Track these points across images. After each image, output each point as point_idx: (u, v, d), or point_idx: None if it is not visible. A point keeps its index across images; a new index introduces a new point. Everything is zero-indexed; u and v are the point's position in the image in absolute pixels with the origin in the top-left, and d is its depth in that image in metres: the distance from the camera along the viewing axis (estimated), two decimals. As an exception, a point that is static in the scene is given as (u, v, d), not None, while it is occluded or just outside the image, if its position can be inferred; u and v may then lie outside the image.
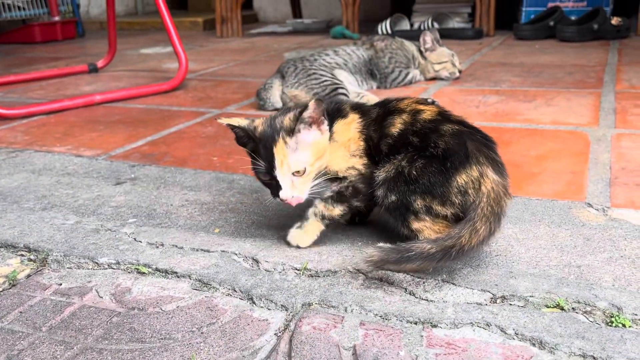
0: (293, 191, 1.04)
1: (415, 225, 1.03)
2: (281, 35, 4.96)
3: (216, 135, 2.01)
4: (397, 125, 1.07)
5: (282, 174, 1.03)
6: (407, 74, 2.59)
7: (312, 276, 1.06)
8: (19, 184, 1.60)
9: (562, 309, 0.92)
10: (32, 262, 1.18)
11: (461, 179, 0.99)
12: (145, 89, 2.70)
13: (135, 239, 1.24)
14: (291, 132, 1.04)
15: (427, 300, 0.96)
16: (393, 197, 1.04)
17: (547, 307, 0.92)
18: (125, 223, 1.32)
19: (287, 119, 1.05)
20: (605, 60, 3.08)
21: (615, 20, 3.76)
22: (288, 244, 1.15)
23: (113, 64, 3.62)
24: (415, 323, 0.91)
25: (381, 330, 0.90)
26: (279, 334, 0.90)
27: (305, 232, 1.14)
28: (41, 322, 0.97)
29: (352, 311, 0.95)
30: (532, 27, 3.91)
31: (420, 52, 2.69)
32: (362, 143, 1.09)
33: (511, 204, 1.29)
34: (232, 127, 1.08)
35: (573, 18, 3.91)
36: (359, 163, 1.09)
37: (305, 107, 1.02)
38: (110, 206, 1.42)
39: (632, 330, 0.86)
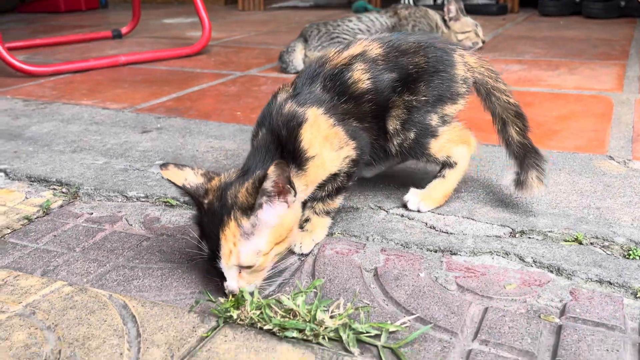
0: (240, 283, 0.80)
1: (435, 147, 1.02)
2: (303, 9, 4.96)
3: (239, 93, 2.04)
4: (359, 80, 0.95)
5: (227, 266, 0.80)
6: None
7: (337, 212, 1.08)
8: (49, 131, 1.65)
9: (580, 242, 0.94)
10: (64, 195, 1.22)
11: (459, 70, 1.02)
12: (169, 52, 2.73)
13: (162, 177, 1.27)
14: (248, 209, 0.79)
15: (447, 232, 0.99)
16: (412, 135, 1.01)
17: (566, 241, 0.94)
18: (152, 164, 1.36)
19: (242, 192, 0.80)
20: (631, 35, 3.05)
21: (642, -2, 3.70)
22: (295, 252, 0.94)
23: (136, 31, 3.65)
24: (435, 251, 0.93)
25: (402, 256, 0.92)
26: (302, 259, 0.93)
27: (312, 232, 0.97)
28: (74, 244, 1.01)
29: (373, 240, 0.98)
30: (558, 3, 3.86)
31: (444, 21, 2.68)
32: (339, 129, 0.93)
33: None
34: (175, 186, 0.84)
35: (599, -5, 3.85)
36: (350, 148, 0.94)
37: (264, 175, 0.78)
38: (137, 150, 1.46)
39: (650, 262, 0.88)
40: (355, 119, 0.94)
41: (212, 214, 0.81)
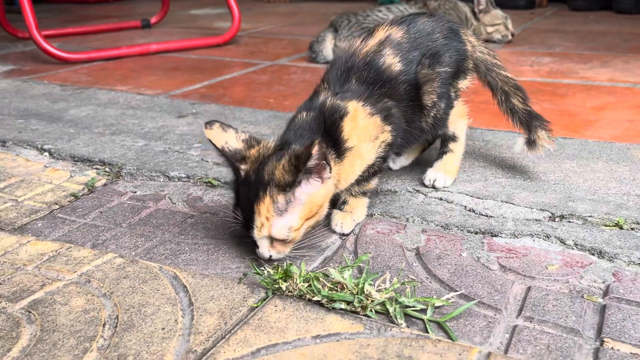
0: (271, 251, 0.85)
1: (452, 116, 1.09)
2: (328, 2, 4.96)
3: (270, 82, 2.06)
4: (392, 64, 0.98)
5: (259, 236, 0.84)
6: (459, 32, 2.59)
7: (373, 194, 1.10)
8: (87, 114, 1.69)
9: (621, 227, 0.94)
10: (107, 174, 1.25)
11: (468, 46, 1.09)
12: (199, 41, 2.77)
13: (202, 159, 1.30)
14: (286, 186, 0.82)
15: (486, 215, 1.00)
16: (442, 104, 1.05)
17: (606, 225, 0.95)
18: (191, 147, 1.39)
19: (279, 168, 0.82)
20: (663, 30, 3.01)
21: (675, -7, 3.64)
22: (336, 232, 0.96)
23: (164, 22, 3.70)
24: (476, 233, 0.95)
25: (443, 237, 0.94)
26: (344, 238, 0.95)
27: (352, 212, 0.98)
28: (121, 220, 1.04)
29: (413, 221, 0.99)
30: (587, -2, 3.82)
31: (474, 13, 2.68)
32: (377, 118, 0.94)
33: (568, 144, 1.31)
34: (214, 147, 0.88)
35: (630, -10, 3.80)
36: (387, 133, 0.96)
37: (307, 154, 0.79)
38: (175, 134, 1.49)
39: (692, 247, 0.88)
40: (392, 99, 0.97)
41: (248, 185, 0.84)
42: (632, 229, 0.94)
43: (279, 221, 0.83)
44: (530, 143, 1.12)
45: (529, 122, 1.12)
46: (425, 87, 1.01)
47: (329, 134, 0.90)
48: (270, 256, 0.85)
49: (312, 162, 0.81)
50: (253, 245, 0.87)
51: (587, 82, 1.91)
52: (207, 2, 5.06)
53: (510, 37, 2.68)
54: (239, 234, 0.96)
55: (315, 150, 0.79)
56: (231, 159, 0.87)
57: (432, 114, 1.04)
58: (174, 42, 2.71)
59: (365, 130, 0.92)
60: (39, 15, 4.28)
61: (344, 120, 0.91)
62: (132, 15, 4.16)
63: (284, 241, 0.84)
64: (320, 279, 0.78)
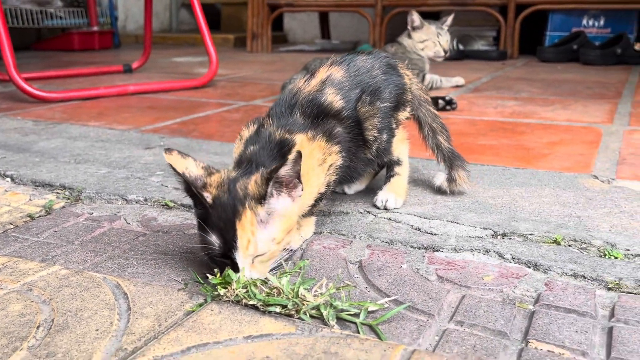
0: (252, 273, 0.82)
1: (394, 145, 1.13)
2: (309, 52, 5.11)
3: (242, 119, 2.11)
4: (333, 101, 1.00)
5: (244, 256, 0.81)
6: (423, 77, 2.67)
7: (324, 215, 1.13)
8: (56, 146, 1.71)
9: (559, 244, 0.97)
10: (66, 198, 1.27)
11: (406, 80, 1.14)
12: (177, 83, 2.83)
13: (162, 184, 1.33)
14: (262, 198, 0.82)
15: (431, 233, 1.03)
16: (385, 136, 1.09)
17: (545, 242, 0.98)
18: (153, 174, 1.41)
19: (252, 183, 0.83)
20: (625, 79, 3.13)
21: (638, 46, 3.81)
22: (284, 249, 0.91)
23: (146, 67, 3.78)
24: (419, 248, 0.97)
25: (386, 251, 0.96)
26: (291, 253, 0.97)
27: (300, 229, 1.00)
28: (74, 238, 1.06)
29: (360, 238, 1.02)
30: (556, 50, 3.98)
31: (407, 36, 2.71)
32: (320, 141, 0.96)
33: (519, 174, 1.35)
34: (175, 171, 0.85)
35: (597, 43, 3.97)
36: (335, 155, 0.97)
37: (282, 162, 0.81)
38: (140, 163, 1.52)
39: (623, 260, 0.91)
40: (339, 126, 0.99)
41: (221, 206, 0.82)
42: (569, 245, 0.97)
43: (263, 233, 0.82)
44: (451, 180, 1.20)
45: (452, 161, 1.20)
46: (366, 124, 1.04)
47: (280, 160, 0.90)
48: (251, 278, 0.81)
49: (286, 168, 0.81)
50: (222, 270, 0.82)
51: (546, 122, 1.98)
52: (190, 51, 5.19)
53: (442, 53, 2.68)
54: (190, 250, 0.97)
55: (291, 157, 0.80)
56: (193, 183, 0.84)
57: (374, 147, 1.07)
58: (151, 84, 2.77)
59: (310, 157, 0.93)
60: (24, 60, 4.36)
61: (292, 151, 0.90)
62: (115, 62, 4.25)
63: (264, 257, 0.82)
64: (259, 284, 0.79)
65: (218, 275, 0.81)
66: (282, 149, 0.91)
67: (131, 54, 4.88)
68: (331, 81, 1.03)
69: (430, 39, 2.64)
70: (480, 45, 4.46)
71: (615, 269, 0.87)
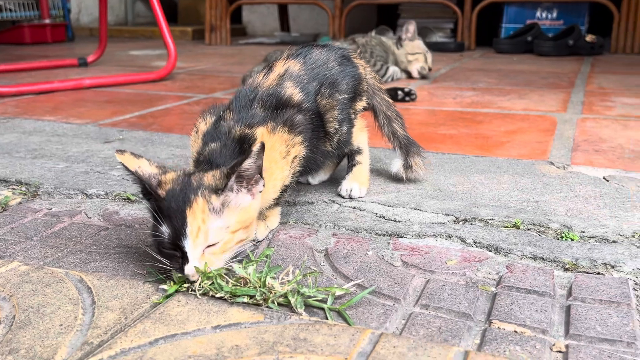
0: (201, 265, 0.79)
1: (354, 134, 1.14)
2: (269, 45, 5.09)
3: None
4: (293, 94, 1.00)
5: (194, 245, 0.78)
6: (387, 69, 2.71)
7: (290, 205, 1.13)
8: (10, 141, 1.66)
9: (518, 227, 1.00)
10: (23, 193, 1.23)
11: (361, 70, 1.14)
12: (135, 77, 2.78)
13: (123, 178, 1.30)
14: (219, 189, 0.80)
15: (395, 220, 1.04)
16: (345, 128, 1.10)
17: (505, 226, 1.01)
18: (113, 168, 1.38)
19: (209, 176, 0.82)
20: (578, 70, 3.23)
21: (589, 38, 3.93)
22: (255, 241, 0.96)
23: (102, 61, 3.69)
24: (384, 235, 0.98)
25: (352, 239, 0.97)
26: (258, 244, 0.97)
27: (266, 220, 1.00)
28: (32, 234, 1.03)
29: (326, 227, 1.02)
30: (511, 42, 4.07)
31: (399, 40, 2.79)
32: (282, 133, 0.95)
33: (479, 162, 1.38)
34: (127, 170, 0.84)
35: (550, 35, 4.08)
36: (298, 146, 0.97)
37: (245, 156, 0.81)
38: (99, 157, 1.49)
39: (579, 242, 0.95)
40: (299, 115, 0.99)
41: (174, 196, 0.79)
42: (528, 229, 1.00)
43: (215, 222, 0.79)
44: (407, 167, 1.22)
45: (408, 147, 1.22)
46: (327, 116, 1.05)
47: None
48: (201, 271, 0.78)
49: (249, 161, 0.80)
50: (172, 266, 0.80)
51: (503, 111, 2.03)
52: (148, 44, 5.09)
53: (427, 70, 2.80)
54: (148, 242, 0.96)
55: (255, 149, 0.79)
56: (146, 181, 0.82)
57: (335, 139, 1.08)
58: (108, 77, 2.71)
59: (272, 150, 0.93)
60: (-29, 53, 4.20)
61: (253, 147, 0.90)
62: (70, 56, 4.13)
63: (216, 247, 0.79)
64: (224, 275, 0.79)
65: (172, 283, 0.79)
66: (243, 146, 0.90)
67: (86, 47, 4.75)
68: (289, 75, 1.03)
69: (422, 53, 2.75)
70: (438, 37, 4.52)
71: (572, 251, 0.91)
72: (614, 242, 0.94)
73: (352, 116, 1.12)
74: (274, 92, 0.99)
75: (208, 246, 0.79)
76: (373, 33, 4.32)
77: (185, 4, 6.93)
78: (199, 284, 0.77)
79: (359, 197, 1.15)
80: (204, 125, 0.97)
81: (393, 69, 2.76)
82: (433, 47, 4.20)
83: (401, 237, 0.97)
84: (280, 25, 5.99)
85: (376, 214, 1.08)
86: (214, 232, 0.79)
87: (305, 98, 1.01)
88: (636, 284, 0.82)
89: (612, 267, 0.86)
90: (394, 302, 0.78)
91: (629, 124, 1.79)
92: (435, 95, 2.39)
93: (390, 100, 1.23)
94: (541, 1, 4.21)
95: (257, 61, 3.83)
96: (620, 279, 0.83)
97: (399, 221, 1.04)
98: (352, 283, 0.80)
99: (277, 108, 0.97)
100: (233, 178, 0.81)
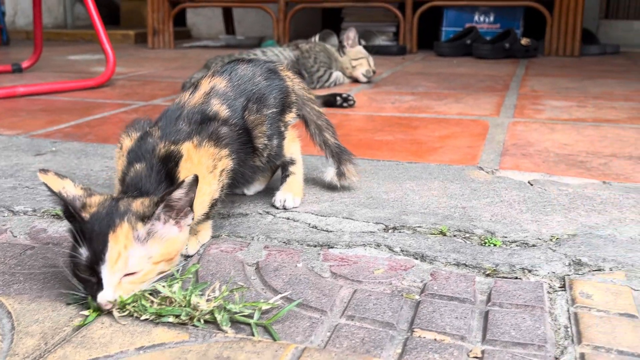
0: (116, 294, 0.76)
1: (286, 146, 1.15)
2: (214, 48, 5.04)
3: (141, 120, 2.06)
4: (219, 111, 1.00)
5: (111, 271, 0.75)
6: (331, 74, 2.73)
7: (223, 217, 1.13)
8: None
9: (445, 234, 1.04)
10: (-55, 212, 1.19)
11: (288, 83, 1.15)
12: (72, 84, 2.71)
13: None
14: (146, 217, 0.79)
15: (327, 230, 1.06)
16: (275, 142, 1.11)
17: (432, 234, 1.04)
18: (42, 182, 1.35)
19: (137, 203, 0.81)
20: (513, 72, 3.35)
21: (524, 41, 4.08)
22: (180, 254, 0.92)
23: (38, 66, 3.57)
24: (315, 246, 1.00)
25: (283, 251, 0.98)
26: (188, 259, 0.97)
27: (197, 234, 1.00)
28: (-48, 255, 0.99)
29: (258, 239, 1.03)
30: (451, 45, 4.18)
31: (342, 47, 2.84)
32: (208, 147, 0.95)
33: (412, 168, 1.42)
34: (50, 190, 0.81)
35: (488, 38, 4.21)
36: (225, 159, 0.97)
37: (176, 186, 0.80)
38: (29, 171, 1.44)
39: (501, 247, 0.99)
40: (225, 127, 0.99)
41: (98, 219, 0.78)
42: (454, 235, 1.04)
43: (138, 250, 0.77)
44: (340, 174, 1.24)
45: (340, 155, 1.24)
46: (255, 132, 1.05)
47: (169, 181, 0.89)
48: (115, 300, 0.76)
49: (180, 192, 0.80)
50: (86, 293, 0.78)
51: (439, 116, 2.08)
52: (87, 49, 4.96)
53: (372, 73, 2.85)
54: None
55: (188, 180, 0.79)
56: (70, 202, 0.80)
57: (265, 154, 1.09)
58: (43, 85, 2.63)
59: (199, 165, 0.93)
60: None
61: (179, 165, 0.91)
62: (4, 61, 3.98)
63: (135, 277, 0.77)
64: (148, 296, 0.79)
65: (90, 310, 0.78)
66: (169, 165, 0.90)
67: (22, 52, 4.59)
68: (215, 92, 1.03)
69: (365, 58, 2.81)
70: (381, 41, 4.59)
71: (493, 256, 0.95)
72: (533, 246, 0.99)
73: (283, 129, 1.13)
74: (200, 110, 0.99)
75: (127, 274, 0.77)
76: (316, 38, 4.36)
77: (127, 7, 6.79)
78: (120, 309, 0.76)
79: (293, 208, 1.16)
80: (128, 142, 0.96)
81: (336, 74, 2.79)
82: (376, 50, 4.27)
83: (332, 247, 0.99)
84: (225, 28, 5.94)
85: (309, 224, 1.09)
86: (135, 261, 0.77)
87: (233, 114, 1.02)
88: (550, 287, 0.86)
89: (529, 271, 0.90)
90: (320, 314, 0.79)
91: (556, 127, 1.88)
92: (375, 100, 2.43)
93: (321, 110, 1.25)
94: (479, 5, 4.34)
95: (200, 65, 3.79)
96: (536, 282, 0.87)
97: (331, 231, 1.05)
98: (279, 296, 0.81)
99: (204, 122, 0.97)
100: (161, 207, 0.80)
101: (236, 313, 0.77)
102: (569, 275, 0.89)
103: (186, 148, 0.93)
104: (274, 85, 1.11)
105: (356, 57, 2.81)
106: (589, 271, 0.90)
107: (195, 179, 0.81)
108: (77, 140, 1.76)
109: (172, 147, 0.92)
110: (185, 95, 1.03)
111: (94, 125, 1.98)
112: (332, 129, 1.25)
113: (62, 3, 6.78)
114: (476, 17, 4.40)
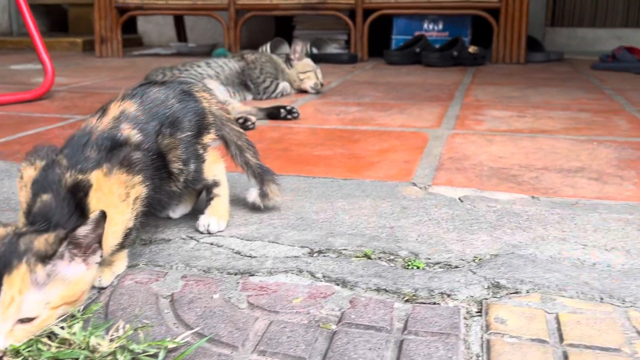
0: (7, 342, 0.72)
1: (205, 171, 1.12)
2: (164, 57, 4.96)
3: (76, 136, 1.99)
4: (130, 136, 0.97)
5: (2, 317, 0.71)
6: (277, 85, 2.71)
7: (144, 244, 1.09)
8: None
9: (369, 257, 1.02)
10: None
11: (205, 104, 1.12)
12: (7, 97, 2.61)
13: (-34, 220, 1.21)
14: (46, 257, 0.75)
15: (250, 256, 1.03)
16: (192, 167, 1.07)
17: (357, 257, 1.03)
18: (-42, 208, 1.28)
19: (41, 240, 0.76)
20: (460, 81, 3.39)
21: (472, 49, 4.15)
22: (94, 286, 0.91)
23: (-24, 77, 3.44)
24: (235, 274, 0.97)
25: (201, 281, 0.95)
26: (101, 292, 0.93)
27: (112, 265, 0.96)
28: None
29: (177, 268, 1.00)
30: (401, 53, 4.21)
31: (288, 60, 2.83)
32: (119, 175, 0.91)
33: (346, 185, 1.41)
34: None
35: (437, 46, 4.26)
36: (138, 186, 0.94)
37: (81, 223, 0.77)
38: (-55, 195, 1.37)
39: (423, 270, 0.98)
40: (137, 153, 0.95)
41: None
42: (378, 258, 1.03)
43: (35, 295, 0.72)
44: (264, 195, 1.21)
45: (262, 176, 1.22)
46: (170, 156, 1.02)
47: (79, 212, 0.86)
48: (7, 348, 0.71)
49: (85, 229, 0.77)
50: None
51: (381, 128, 2.08)
52: (32, 58, 4.80)
53: (320, 86, 2.85)
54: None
55: (94, 216, 0.76)
56: None
57: (182, 179, 1.05)
58: (-25, 99, 2.52)
59: (110, 194, 0.89)
60: None
61: (89, 195, 0.87)
62: (-61, 71, 3.82)
63: (31, 324, 0.73)
64: (45, 339, 0.74)
65: None
66: (78, 195, 0.86)
67: (-40, 62, 4.42)
68: (126, 116, 0.99)
69: (312, 71, 2.81)
70: (332, 49, 4.60)
71: (414, 280, 0.94)
72: (456, 267, 0.99)
73: (202, 151, 1.10)
74: (110, 136, 0.95)
75: (23, 321, 0.72)
76: (266, 47, 4.34)
77: (75, 13, 6.63)
78: (14, 356, 0.72)
79: (218, 232, 1.13)
80: (31, 171, 0.92)
81: (283, 85, 2.77)
82: (327, 58, 4.28)
83: (252, 275, 0.97)
84: (177, 36, 5.86)
85: (233, 249, 1.06)
86: (29, 306, 0.72)
87: (145, 139, 0.98)
88: (467, 312, 0.86)
89: (448, 295, 0.89)
90: (231, 349, 0.77)
91: (494, 139, 1.90)
92: (321, 111, 2.42)
93: (241, 130, 1.23)
94: (427, 14, 4.39)
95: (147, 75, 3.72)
96: (453, 308, 0.86)
97: (254, 257, 1.03)
98: (189, 332, 0.79)
99: (113, 149, 0.93)
100: (64, 245, 0.76)
101: (140, 353, 0.73)
102: (486, 299, 0.89)
103: (95, 177, 0.89)
104: (189, 107, 1.08)
105: (304, 71, 2.80)
106: (507, 294, 0.90)
107: (103, 215, 0.78)
108: (3, 159, 1.69)
109: (80, 177, 0.88)
110: (92, 120, 0.99)
111: (25, 142, 1.91)
112: (253, 149, 1.23)
113: (7, 10, 6.57)
114: (425, 25, 4.45)
